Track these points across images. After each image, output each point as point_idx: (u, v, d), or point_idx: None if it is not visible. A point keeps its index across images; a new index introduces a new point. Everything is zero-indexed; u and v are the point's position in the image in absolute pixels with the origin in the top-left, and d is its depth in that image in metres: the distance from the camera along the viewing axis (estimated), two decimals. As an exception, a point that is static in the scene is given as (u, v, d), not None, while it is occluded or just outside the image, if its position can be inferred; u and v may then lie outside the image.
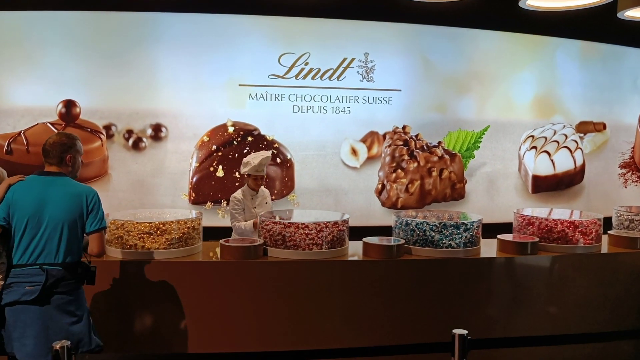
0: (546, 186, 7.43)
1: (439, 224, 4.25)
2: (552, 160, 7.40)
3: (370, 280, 4.12)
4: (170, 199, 6.37)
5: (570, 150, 7.50)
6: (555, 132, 7.43)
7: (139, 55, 6.22)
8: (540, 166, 7.35)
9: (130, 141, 6.28)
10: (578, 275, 4.49)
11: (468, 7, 6.76)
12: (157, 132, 6.33)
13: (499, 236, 4.55)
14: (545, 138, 7.37)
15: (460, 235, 4.26)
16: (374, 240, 4.28)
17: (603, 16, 7.30)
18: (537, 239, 4.46)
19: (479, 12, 6.94)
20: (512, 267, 4.36)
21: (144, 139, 6.30)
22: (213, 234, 6.18)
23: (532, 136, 7.32)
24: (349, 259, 4.19)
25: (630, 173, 8.16)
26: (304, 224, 4.07)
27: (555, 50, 7.38)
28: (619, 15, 5.15)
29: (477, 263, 4.31)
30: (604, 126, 7.82)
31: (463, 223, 4.28)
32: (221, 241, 4.09)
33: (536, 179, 7.35)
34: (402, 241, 4.26)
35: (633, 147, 8.16)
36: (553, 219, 4.56)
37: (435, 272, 4.22)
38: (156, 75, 6.26)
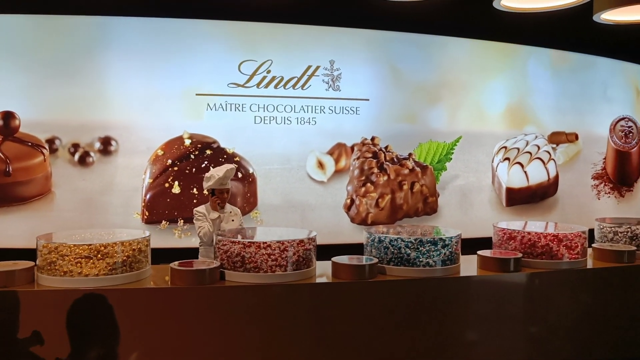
0: (520, 199, 7.17)
1: (415, 240, 3.87)
2: (525, 172, 7.15)
3: (340, 305, 3.70)
4: (122, 218, 5.83)
5: (543, 162, 7.26)
6: (527, 143, 7.20)
7: (86, 62, 5.72)
8: (514, 178, 7.08)
9: (77, 156, 5.75)
10: (565, 293, 4.17)
11: (438, 14, 6.50)
12: (106, 146, 5.81)
13: (479, 252, 4.20)
14: (518, 149, 7.13)
15: (439, 252, 3.89)
16: (343, 259, 3.87)
17: (574, 25, 7.15)
18: (520, 255, 4.11)
19: (449, 19, 6.69)
20: (495, 286, 4.00)
21: (92, 154, 5.77)
22: (169, 256, 5.68)
23: (505, 147, 7.07)
24: (317, 281, 3.76)
25: (603, 184, 7.98)
26: (265, 243, 3.63)
27: (527, 59, 7.18)
28: (595, 18, 4.92)
29: (457, 283, 3.93)
30: (577, 137, 7.64)
31: (441, 239, 3.91)
32: (172, 264, 3.61)
33: (510, 191, 7.08)
34: (375, 260, 3.86)
35: (605, 158, 8.00)
36: (536, 233, 4.23)
37: (412, 293, 3.83)
38: (105, 85, 5.76)
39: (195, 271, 3.52)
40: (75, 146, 5.75)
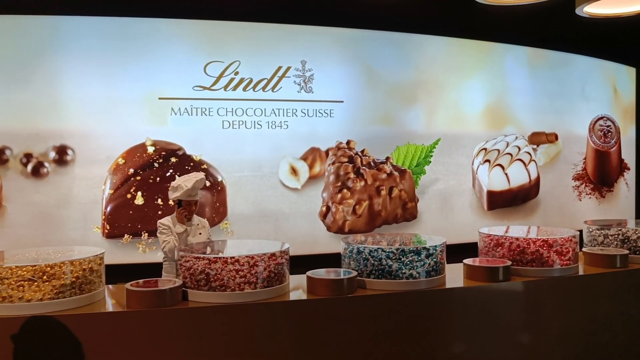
0: (502, 202, 6.93)
1: (397, 250, 3.56)
2: (506, 174, 6.92)
3: (318, 323, 3.36)
4: (80, 233, 5.41)
5: (524, 163, 7.05)
6: (508, 144, 6.97)
7: (39, 66, 5.30)
8: (495, 181, 6.85)
9: (30, 167, 5.31)
10: (557, 301, 3.89)
11: (413, 11, 6.27)
12: (62, 155, 5.39)
13: (465, 261, 3.91)
14: (498, 151, 6.89)
15: (422, 263, 3.58)
16: (320, 273, 3.54)
17: (551, 22, 6.99)
18: (509, 263, 3.83)
19: (424, 17, 6.45)
20: (484, 297, 3.71)
21: (47, 164, 5.34)
22: (133, 273, 5.29)
23: (485, 149, 6.83)
24: (291, 298, 3.41)
25: (584, 185, 7.81)
26: (233, 258, 3.28)
27: (504, 57, 6.97)
28: (577, 11, 4.70)
29: (443, 295, 3.63)
30: (556, 137, 7.45)
31: (425, 248, 3.60)
32: (127, 285, 3.23)
33: (491, 194, 6.84)
34: (354, 273, 3.53)
35: (585, 159, 7.84)
36: (525, 238, 3.96)
37: (395, 308, 3.51)
38: (60, 89, 5.35)
39: (153, 292, 3.14)
40: (28, 156, 5.31)
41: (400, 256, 3.55)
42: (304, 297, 3.44)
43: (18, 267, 3.09)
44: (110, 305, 3.26)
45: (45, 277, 3.10)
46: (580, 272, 4.05)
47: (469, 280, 3.81)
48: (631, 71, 8.37)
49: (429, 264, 3.59)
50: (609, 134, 8.04)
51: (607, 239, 4.47)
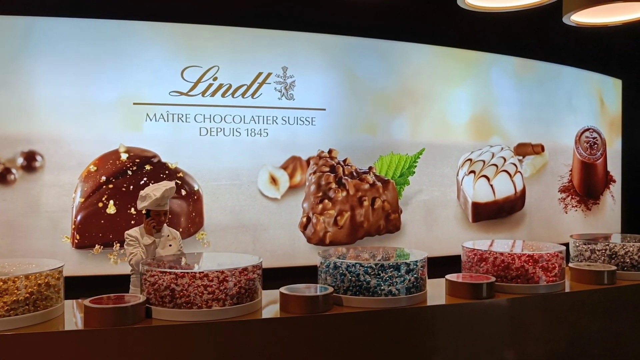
0: (487, 214, 6.79)
1: (376, 265, 3.38)
2: (491, 186, 6.78)
3: (291, 343, 3.16)
4: (49, 243, 5.17)
5: (510, 174, 6.92)
6: (493, 155, 6.84)
7: (7, 67, 5.07)
8: (480, 192, 6.71)
9: (-4, 173, 5.08)
10: (543, 319, 3.73)
11: (398, 18, 6.15)
12: (31, 161, 5.15)
13: (447, 277, 3.74)
14: (484, 161, 6.76)
15: (402, 279, 3.40)
16: (294, 289, 3.34)
17: (537, 32, 6.92)
18: (493, 279, 3.66)
19: (409, 24, 6.33)
20: (467, 315, 3.53)
21: (14, 170, 5.11)
22: (104, 285, 5.07)
23: (470, 159, 6.69)
24: (263, 316, 3.21)
25: (570, 197, 7.70)
26: (202, 272, 3.08)
27: (490, 67, 6.85)
28: (565, 19, 4.58)
29: (424, 313, 3.45)
30: (542, 148, 7.34)
31: (405, 263, 3.43)
32: (85, 301, 3.02)
33: (476, 206, 6.69)
34: (330, 289, 3.35)
35: (571, 170, 7.73)
36: (510, 253, 3.80)
37: (374, 326, 3.32)
38: (29, 92, 5.12)
39: (112, 309, 2.93)
40: (-5, 162, 5.08)
41: (379, 271, 3.37)
42: (277, 315, 3.25)
43: (-32, 281, 2.87)
44: (67, 324, 3.04)
45: (-3, 292, 2.88)
46: (567, 289, 3.90)
47: (451, 297, 3.64)
48: (617, 83, 8.30)
49: (409, 280, 3.42)
50: (595, 145, 7.95)
51: (594, 254, 4.33)
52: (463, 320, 3.52)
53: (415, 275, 3.44)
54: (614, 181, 8.30)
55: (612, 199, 8.25)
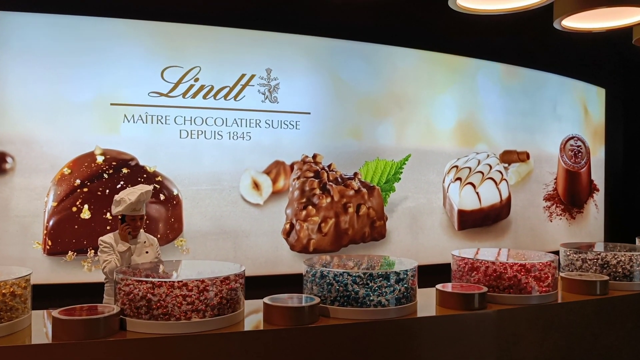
0: (473, 221, 6.69)
1: (364, 274, 3.22)
2: (477, 193, 6.68)
3: (275, 356, 2.98)
4: (19, 249, 4.91)
5: (496, 182, 6.84)
6: (479, 162, 6.76)
7: (-23, 65, 4.83)
8: (466, 200, 6.60)
9: (-37, 175, 4.82)
10: (536, 331, 3.60)
11: (384, 21, 6.04)
12: (1, 163, 4.90)
13: (437, 287, 3.60)
14: (470, 168, 6.66)
15: (392, 289, 3.25)
16: (277, 300, 3.17)
17: (523, 39, 6.87)
18: (485, 289, 3.53)
19: (395, 28, 6.23)
20: (458, 326, 3.39)
21: (-18, 172, 4.86)
22: (77, 294, 4.87)
23: (456, 166, 6.59)
24: (246, 328, 3.03)
25: (554, 206, 7.65)
26: (181, 282, 2.89)
27: (476, 73, 6.77)
28: (555, 24, 4.51)
29: (414, 325, 3.29)
30: (528, 156, 7.28)
31: (395, 272, 3.27)
32: (54, 312, 2.80)
33: (462, 214, 6.58)
34: (317, 300, 3.18)
35: (556, 179, 7.69)
36: (501, 262, 3.67)
37: (362, 339, 3.16)
38: (0, 91, 4.87)
39: (83, 321, 2.72)
40: (-38, 163, 4.82)
41: (368, 281, 3.21)
42: (260, 326, 3.07)
43: None
44: (35, 336, 2.82)
45: (-43, 302, 2.66)
46: (559, 299, 3.78)
47: (441, 307, 3.50)
48: (601, 92, 8.31)
49: (400, 290, 3.26)
50: (580, 154, 7.93)
51: (586, 264, 4.23)
52: (454, 332, 3.38)
53: (405, 285, 3.29)
54: (598, 190, 8.29)
55: (595, 208, 8.23)
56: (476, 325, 3.44)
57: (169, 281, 2.89)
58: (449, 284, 3.70)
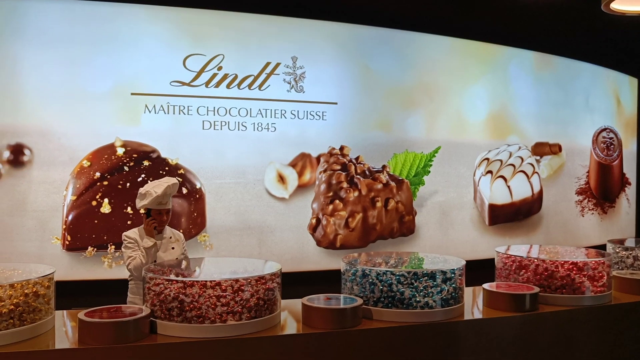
0: (504, 217, 6.42)
1: (409, 273, 2.99)
2: (508, 187, 6.41)
3: (315, 363, 2.76)
4: (37, 245, 4.73)
5: (527, 175, 6.56)
6: (510, 155, 6.48)
7: (-7, 53, 4.64)
8: (497, 194, 6.34)
9: (-21, 168, 4.64)
10: (589, 334, 3.35)
11: (414, 8, 5.78)
12: (18, 155, 4.72)
13: (484, 286, 3.36)
14: (501, 161, 6.40)
15: (439, 289, 3.01)
16: (318, 301, 2.94)
17: (557, 27, 6.59)
18: (537, 289, 3.28)
19: (426, 14, 5.96)
20: (508, 330, 3.14)
21: (-1, 165, 4.68)
22: (97, 291, 4.69)
23: (487, 159, 6.32)
24: (284, 332, 2.81)
25: (586, 200, 7.36)
26: (213, 281, 2.67)
27: (509, 62, 6.49)
28: (603, 7, 4.22)
29: (463, 328, 3.06)
30: (560, 148, 6.99)
31: (441, 271, 3.04)
32: (80, 314, 2.60)
33: (493, 208, 6.32)
34: (359, 301, 2.95)
35: (588, 172, 7.40)
36: (552, 261, 3.42)
37: (406, 343, 2.93)
38: (17, 81, 4.69)
39: (112, 324, 2.51)
40: (-22, 156, 4.65)
41: (413, 280, 2.98)
42: (299, 329, 2.85)
43: (-58, 290, 2.45)
44: (58, 340, 2.62)
45: (-24, 303, 2.46)
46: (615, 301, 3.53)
47: (489, 308, 3.27)
48: (634, 82, 8.00)
49: (447, 290, 3.03)
50: (612, 146, 7.63)
51: (638, 261, 3.96)
52: (504, 336, 3.14)
53: (453, 285, 3.06)
54: (629, 184, 7.99)
55: (627, 203, 7.94)
56: (527, 328, 3.20)
57: (202, 280, 2.68)
58: (494, 283, 3.46)
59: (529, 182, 6.60)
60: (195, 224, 5.10)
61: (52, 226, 4.77)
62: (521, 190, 6.52)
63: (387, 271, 3.01)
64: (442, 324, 2.99)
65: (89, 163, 4.84)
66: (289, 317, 3.03)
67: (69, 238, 4.78)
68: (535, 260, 3.43)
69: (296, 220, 5.41)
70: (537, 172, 6.67)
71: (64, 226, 4.78)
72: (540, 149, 6.81)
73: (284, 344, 2.73)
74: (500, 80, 6.45)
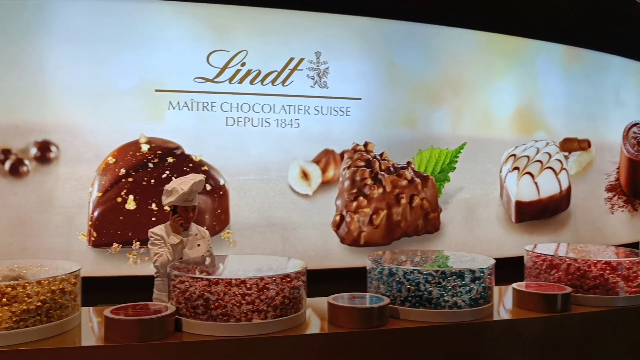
0: (531, 214, 6.30)
1: (437, 272, 2.92)
2: (535, 183, 6.28)
3: (341, 363, 2.72)
4: (63, 241, 4.77)
5: (555, 172, 6.42)
6: (538, 151, 6.35)
7: (20, 51, 4.68)
8: (524, 190, 6.22)
9: (7, 164, 4.69)
10: (622, 336, 3.25)
11: (440, 1, 5.68)
12: (45, 152, 4.76)
13: (514, 286, 3.28)
14: (528, 157, 6.27)
15: (468, 289, 2.94)
16: (344, 300, 2.90)
17: (586, 18, 6.43)
18: (569, 289, 3.19)
19: (451, 8, 5.85)
20: (539, 331, 3.06)
21: (27, 162, 4.72)
22: (122, 287, 4.70)
23: (514, 155, 6.20)
24: (309, 331, 2.77)
25: (616, 197, 7.18)
26: (238, 279, 2.64)
27: (536, 56, 6.35)
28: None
29: (492, 328, 2.99)
30: (589, 144, 6.83)
31: (470, 270, 2.97)
32: (106, 311, 2.59)
33: (520, 205, 6.20)
34: (386, 300, 2.89)
35: (618, 168, 7.21)
36: (584, 260, 3.32)
37: (434, 344, 2.87)
38: (44, 77, 4.73)
39: (137, 322, 2.50)
40: (6, 152, 4.69)
41: (441, 279, 2.92)
42: (325, 329, 2.80)
43: (-29, 286, 2.46)
44: (84, 337, 2.62)
45: (4, 299, 2.47)
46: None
47: (519, 309, 3.19)
48: (665, 75, 7.77)
49: (476, 290, 2.96)
50: (643, 142, 7.43)
51: (673, 261, 3.83)
52: (534, 337, 3.06)
53: (482, 284, 2.98)
54: (661, 181, 7.77)
55: (658, 200, 7.72)
56: (558, 329, 3.11)
57: (226, 278, 2.65)
58: (524, 283, 3.38)
59: (557, 178, 6.46)
60: (219, 221, 5.10)
61: (78, 222, 4.81)
62: (549, 187, 6.39)
63: (414, 270, 2.95)
64: (471, 325, 2.92)
65: (114, 160, 4.86)
66: (313, 315, 3.00)
67: (94, 234, 4.81)
68: (567, 260, 3.34)
69: (320, 217, 5.38)
70: (565, 169, 6.52)
71: (90, 222, 4.82)
72: (569, 145, 6.66)
73: (309, 343, 2.69)
74: (528, 75, 6.32)
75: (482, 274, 3.00)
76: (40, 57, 4.71)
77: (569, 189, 6.61)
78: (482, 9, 5.94)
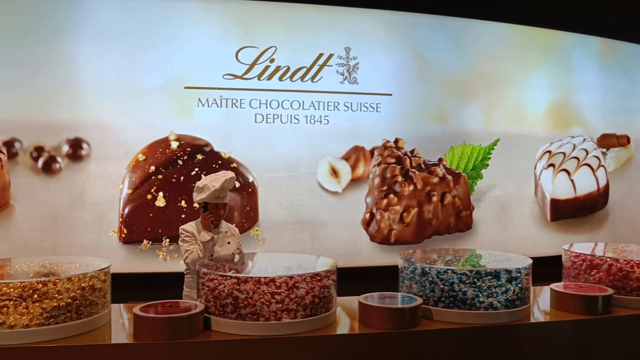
0: (566, 212, 6.11)
1: (471, 272, 2.83)
2: (572, 181, 6.10)
3: (372, 364, 2.65)
4: (94, 237, 4.82)
5: (592, 169, 6.22)
6: (574, 147, 6.16)
7: (51, 49, 4.73)
8: (560, 188, 6.04)
9: (40, 162, 4.75)
10: (668, 341, 3.11)
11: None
12: (77, 149, 4.80)
13: (552, 286, 3.17)
14: (564, 154, 6.08)
15: (504, 289, 2.84)
16: (374, 299, 2.83)
17: (624, 10, 6.20)
18: (610, 291, 3.06)
19: (483, 0, 5.71)
20: (578, 334, 2.94)
21: (59, 159, 4.77)
22: (152, 284, 4.73)
23: (549, 151, 6.03)
24: (339, 331, 2.71)
25: (656, 195, 6.92)
26: (268, 278, 2.60)
27: (572, 49, 6.16)
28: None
29: (529, 331, 2.88)
30: (628, 140, 6.59)
31: (506, 270, 2.87)
32: (136, 309, 2.58)
33: (555, 203, 6.03)
34: (419, 300, 2.82)
35: (658, 165, 6.95)
36: (627, 260, 3.19)
37: (468, 346, 2.78)
38: (75, 76, 4.77)
39: (166, 320, 2.48)
40: (39, 150, 4.74)
41: (475, 280, 2.82)
42: (356, 329, 2.74)
43: (4, 283, 2.47)
44: (114, 334, 2.61)
45: (36, 296, 2.48)
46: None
47: (557, 310, 3.07)
48: None
49: (513, 290, 2.86)
50: (685, 138, 7.14)
51: None
52: (573, 340, 2.95)
53: (519, 285, 2.88)
54: None
55: (701, 198, 7.43)
56: (599, 332, 2.99)
57: (255, 277, 2.61)
58: (562, 284, 3.26)
59: (594, 175, 6.25)
60: (247, 218, 5.07)
61: (109, 219, 4.84)
62: (585, 184, 6.19)
63: (448, 269, 2.86)
64: (507, 327, 2.82)
65: (144, 157, 4.88)
66: (342, 314, 2.94)
67: (125, 231, 4.84)
68: (609, 260, 3.21)
69: (349, 215, 5.31)
70: (603, 166, 6.32)
71: (120, 219, 4.85)
72: (607, 141, 6.44)
73: (340, 343, 2.63)
74: (563, 69, 6.13)
75: (518, 274, 2.90)
76: (71, 56, 4.75)
77: (606, 187, 6.40)
78: (514, 2, 5.78)
